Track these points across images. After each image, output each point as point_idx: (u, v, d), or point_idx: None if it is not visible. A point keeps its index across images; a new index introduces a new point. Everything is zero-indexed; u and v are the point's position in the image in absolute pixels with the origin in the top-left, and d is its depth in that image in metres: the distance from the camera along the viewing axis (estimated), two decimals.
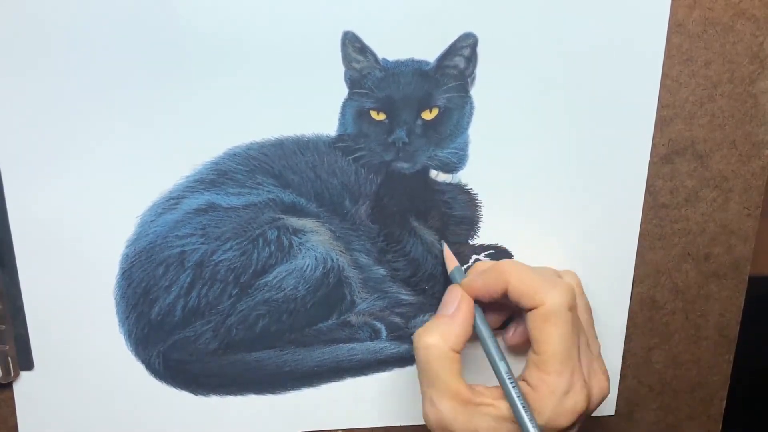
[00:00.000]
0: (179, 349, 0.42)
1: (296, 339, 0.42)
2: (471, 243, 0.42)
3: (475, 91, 0.39)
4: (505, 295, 0.37)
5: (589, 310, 0.41)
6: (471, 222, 0.42)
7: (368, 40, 0.37)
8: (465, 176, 0.41)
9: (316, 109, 0.38)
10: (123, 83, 0.37)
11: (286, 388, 0.43)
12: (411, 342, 0.43)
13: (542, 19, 0.38)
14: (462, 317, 0.37)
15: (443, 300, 0.39)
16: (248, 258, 0.40)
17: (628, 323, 0.45)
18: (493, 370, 0.37)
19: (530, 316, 0.36)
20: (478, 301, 0.39)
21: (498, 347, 0.37)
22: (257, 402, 0.44)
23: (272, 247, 0.41)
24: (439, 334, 0.36)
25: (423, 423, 0.37)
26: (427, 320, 0.43)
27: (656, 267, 0.44)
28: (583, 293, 0.41)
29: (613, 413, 0.47)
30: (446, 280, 0.43)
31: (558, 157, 0.41)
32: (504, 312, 0.42)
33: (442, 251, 0.42)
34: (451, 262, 0.41)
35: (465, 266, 0.42)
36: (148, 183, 0.39)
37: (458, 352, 0.36)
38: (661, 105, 0.40)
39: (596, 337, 0.40)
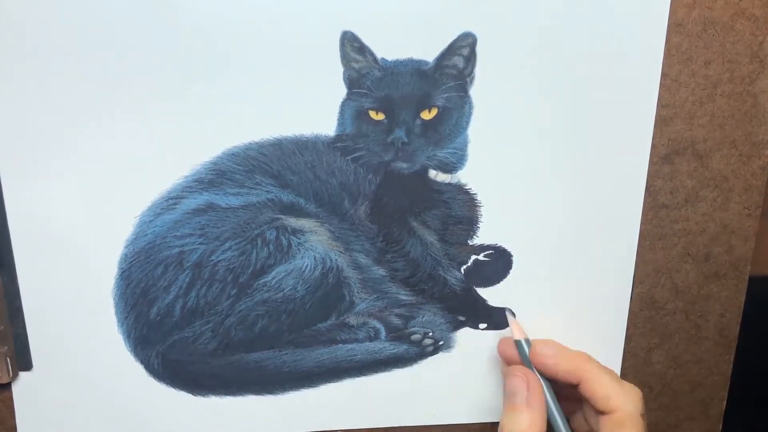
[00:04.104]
0: (178, 349, 0.42)
1: (295, 339, 0.42)
2: (470, 243, 0.42)
3: (475, 91, 0.39)
4: (572, 385, 0.38)
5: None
6: (470, 222, 0.42)
7: (367, 40, 0.37)
8: (464, 176, 0.41)
9: (314, 109, 0.38)
10: (121, 83, 0.37)
11: (285, 389, 0.43)
12: (410, 343, 0.43)
13: (542, 18, 0.38)
14: (539, 406, 0.37)
15: (512, 385, 0.38)
16: (247, 258, 0.40)
17: (628, 323, 0.45)
18: None
19: (603, 420, 0.37)
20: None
21: (568, 426, 0.38)
22: (256, 402, 0.43)
23: (271, 248, 0.40)
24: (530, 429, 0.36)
25: (422, 423, 0.37)
26: (426, 321, 0.43)
27: (656, 267, 0.44)
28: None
29: None
30: (445, 281, 0.42)
31: (557, 157, 0.41)
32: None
33: (507, 320, 0.42)
34: (519, 333, 0.41)
35: (463, 268, 0.42)
36: (146, 183, 0.39)
37: None
38: (661, 105, 0.40)
39: None
